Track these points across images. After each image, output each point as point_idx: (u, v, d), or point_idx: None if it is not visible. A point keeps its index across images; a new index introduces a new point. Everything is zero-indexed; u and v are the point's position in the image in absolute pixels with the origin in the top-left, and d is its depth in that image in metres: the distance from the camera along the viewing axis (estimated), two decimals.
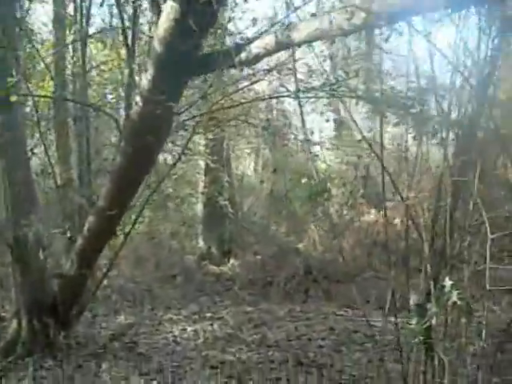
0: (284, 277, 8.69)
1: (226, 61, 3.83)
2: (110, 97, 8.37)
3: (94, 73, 7.92)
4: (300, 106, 6.44)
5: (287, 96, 5.53)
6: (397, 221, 10.75)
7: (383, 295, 7.90)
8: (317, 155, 8.50)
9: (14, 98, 4.68)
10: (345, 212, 9.76)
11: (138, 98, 4.33)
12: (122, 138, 4.62)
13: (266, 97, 5.75)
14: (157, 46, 3.93)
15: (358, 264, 9.18)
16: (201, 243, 10.81)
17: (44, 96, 6.72)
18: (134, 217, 5.76)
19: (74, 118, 6.34)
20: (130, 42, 4.84)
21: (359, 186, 9.76)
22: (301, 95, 5.12)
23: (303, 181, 11.85)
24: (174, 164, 7.10)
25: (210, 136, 9.03)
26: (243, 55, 3.81)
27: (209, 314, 7.40)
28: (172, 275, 9.68)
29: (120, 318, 7.28)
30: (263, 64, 4.46)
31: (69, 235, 5.07)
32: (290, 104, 10.24)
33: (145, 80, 4.14)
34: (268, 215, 11.48)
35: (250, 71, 4.60)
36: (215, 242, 10.56)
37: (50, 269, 5.27)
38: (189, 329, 6.73)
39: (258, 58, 3.91)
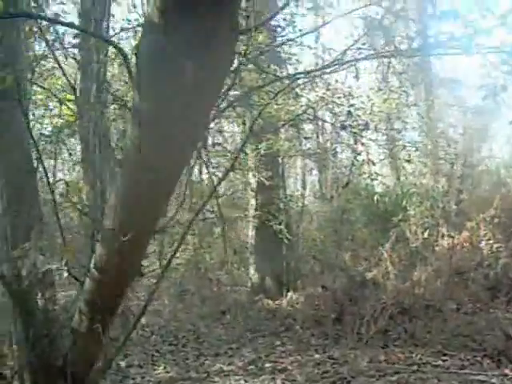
0: (355, 313, 7.16)
1: None
2: None
3: None
4: None
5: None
6: (483, 244, 9.19)
7: (479, 336, 6.41)
8: (408, 160, 6.88)
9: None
10: (425, 235, 8.14)
11: None
12: (135, 87, 2.20)
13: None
14: None
15: (439, 296, 7.65)
16: (253, 274, 9.37)
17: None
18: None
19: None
20: None
21: (445, 202, 8.13)
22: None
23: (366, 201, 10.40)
24: (221, 180, 5.89)
25: (263, 147, 7.70)
26: None
27: (268, 365, 5.92)
28: (221, 311, 8.31)
29: (159, 369, 5.90)
30: None
31: (67, 273, 3.40)
32: None
33: None
34: (329, 240, 9.95)
35: None
36: (270, 273, 9.10)
37: (60, 319, 3.85)
38: None
39: None
